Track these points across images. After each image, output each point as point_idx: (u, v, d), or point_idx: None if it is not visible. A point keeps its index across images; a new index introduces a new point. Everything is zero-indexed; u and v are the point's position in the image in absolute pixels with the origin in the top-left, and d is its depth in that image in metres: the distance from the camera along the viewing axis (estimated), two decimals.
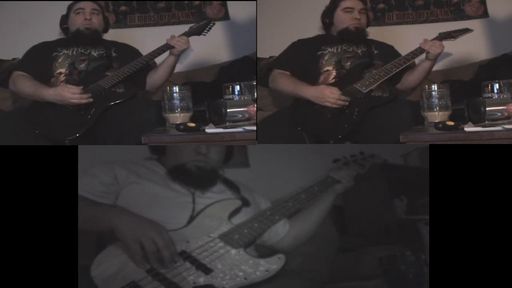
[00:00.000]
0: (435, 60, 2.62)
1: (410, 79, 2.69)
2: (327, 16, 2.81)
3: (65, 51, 2.70)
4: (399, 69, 2.61)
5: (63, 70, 2.67)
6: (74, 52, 2.70)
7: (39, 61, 2.70)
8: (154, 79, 2.71)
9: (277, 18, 3.32)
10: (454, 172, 2.00)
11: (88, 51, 2.71)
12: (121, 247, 1.66)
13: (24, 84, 2.63)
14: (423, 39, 2.61)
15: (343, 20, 2.76)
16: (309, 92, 2.59)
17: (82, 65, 2.68)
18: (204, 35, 2.74)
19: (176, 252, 1.67)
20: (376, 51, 2.74)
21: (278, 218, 1.94)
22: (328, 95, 2.54)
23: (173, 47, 2.63)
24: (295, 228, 2.10)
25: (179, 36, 2.67)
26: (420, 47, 2.61)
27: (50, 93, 2.54)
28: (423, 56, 2.65)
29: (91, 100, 2.51)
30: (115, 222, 1.67)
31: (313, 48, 2.75)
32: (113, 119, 2.52)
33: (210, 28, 2.75)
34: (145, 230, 1.65)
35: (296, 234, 2.10)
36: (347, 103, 2.53)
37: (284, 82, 2.70)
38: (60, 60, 2.68)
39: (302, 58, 2.74)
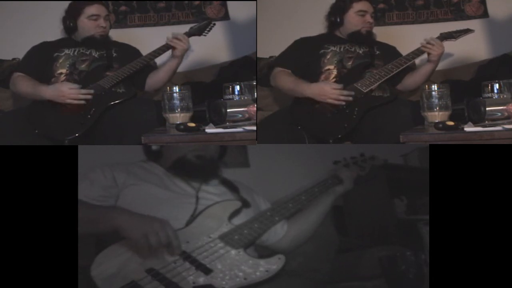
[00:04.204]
0: (437, 62, 2.59)
1: (411, 81, 2.67)
2: (336, 15, 2.75)
3: (66, 51, 2.70)
4: (400, 69, 2.60)
5: (64, 71, 2.66)
6: (76, 53, 2.70)
7: (40, 61, 2.70)
8: (154, 80, 2.69)
9: (277, 18, 3.32)
10: (454, 172, 2.00)
11: (89, 51, 2.71)
12: (122, 246, 1.66)
13: (23, 84, 2.63)
14: (422, 41, 2.59)
15: (356, 22, 2.72)
16: (310, 89, 2.58)
17: (83, 65, 2.68)
18: (205, 35, 2.73)
19: (180, 245, 1.68)
20: (378, 52, 2.73)
21: (278, 219, 1.95)
22: (329, 91, 2.53)
23: (173, 47, 2.62)
24: (294, 229, 2.10)
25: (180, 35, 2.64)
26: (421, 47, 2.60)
27: (48, 91, 2.54)
28: (423, 56, 2.64)
29: (89, 96, 2.50)
30: (118, 222, 1.67)
31: (316, 46, 2.73)
32: (113, 119, 2.52)
33: (210, 29, 2.75)
34: (149, 225, 1.65)
35: (295, 235, 2.10)
36: (350, 98, 2.52)
37: (285, 80, 2.68)
38: (61, 60, 2.68)
39: (304, 56, 2.73)
